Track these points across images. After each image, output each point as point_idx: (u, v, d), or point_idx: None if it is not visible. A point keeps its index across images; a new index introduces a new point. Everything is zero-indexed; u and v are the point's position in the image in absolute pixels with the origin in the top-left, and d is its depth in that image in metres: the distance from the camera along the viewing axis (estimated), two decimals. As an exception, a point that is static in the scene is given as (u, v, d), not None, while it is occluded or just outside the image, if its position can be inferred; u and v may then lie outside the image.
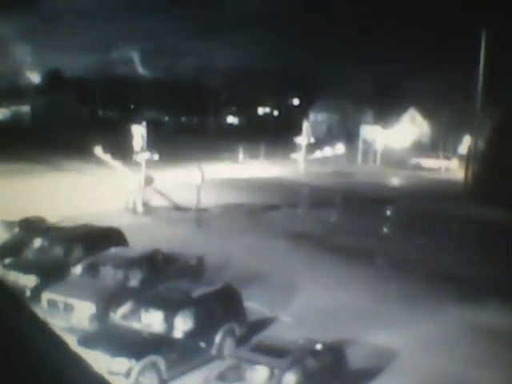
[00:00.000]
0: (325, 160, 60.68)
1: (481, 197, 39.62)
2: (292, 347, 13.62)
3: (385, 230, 34.69)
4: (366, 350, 15.97)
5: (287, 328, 17.12)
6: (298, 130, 61.49)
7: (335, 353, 14.18)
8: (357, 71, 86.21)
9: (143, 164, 32.71)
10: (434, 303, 20.14)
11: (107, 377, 2.06)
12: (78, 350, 1.84)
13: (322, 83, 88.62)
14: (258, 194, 40.12)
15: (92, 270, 18.53)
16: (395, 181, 54.43)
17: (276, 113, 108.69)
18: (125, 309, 15.41)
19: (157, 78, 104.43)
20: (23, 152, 51.93)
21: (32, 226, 23.29)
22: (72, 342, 13.44)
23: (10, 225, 23.45)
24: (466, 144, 57.04)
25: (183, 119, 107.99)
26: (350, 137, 67.96)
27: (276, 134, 73.06)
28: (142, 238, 23.55)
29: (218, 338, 15.42)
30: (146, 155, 32.77)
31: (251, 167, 56.89)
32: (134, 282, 18.06)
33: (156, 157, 33.35)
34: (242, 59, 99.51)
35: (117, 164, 33.86)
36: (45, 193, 34.77)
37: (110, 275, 18.23)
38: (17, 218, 24.03)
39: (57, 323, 15.59)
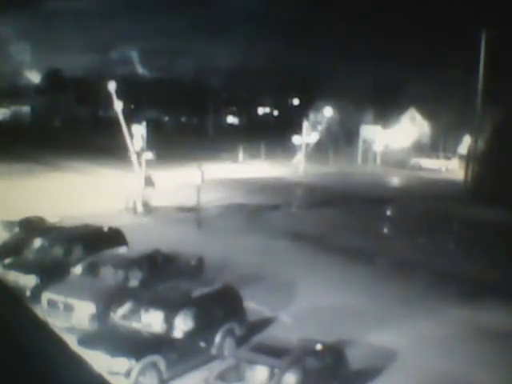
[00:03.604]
0: (324, 159, 60.61)
1: (481, 197, 39.59)
2: (292, 347, 13.62)
3: (385, 230, 34.70)
4: (365, 350, 15.97)
5: (287, 328, 17.13)
6: (297, 130, 61.50)
7: (335, 353, 14.18)
8: (357, 71, 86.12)
9: (143, 164, 32.73)
10: (434, 303, 20.14)
11: (107, 377, 2.06)
12: (78, 350, 1.84)
13: (322, 83, 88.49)
14: (257, 194, 40.11)
15: (92, 270, 18.54)
16: (395, 181, 54.41)
17: (276, 113, 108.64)
18: (125, 309, 15.40)
19: (157, 77, 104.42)
20: (23, 152, 51.98)
21: (32, 226, 23.30)
22: (72, 341, 13.44)
23: (9, 225, 23.45)
24: (465, 144, 56.96)
25: (183, 119, 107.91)
26: (350, 136, 67.86)
27: (276, 134, 72.99)
28: (142, 238, 23.54)
29: (218, 338, 15.42)
30: (146, 155, 32.80)
31: (251, 167, 56.85)
32: (134, 282, 18.06)
33: (156, 157, 33.35)
34: (242, 59, 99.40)
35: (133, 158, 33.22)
36: (45, 193, 34.79)
37: (110, 275, 18.23)
38: (17, 218, 24.03)
39: (57, 323, 15.59)
